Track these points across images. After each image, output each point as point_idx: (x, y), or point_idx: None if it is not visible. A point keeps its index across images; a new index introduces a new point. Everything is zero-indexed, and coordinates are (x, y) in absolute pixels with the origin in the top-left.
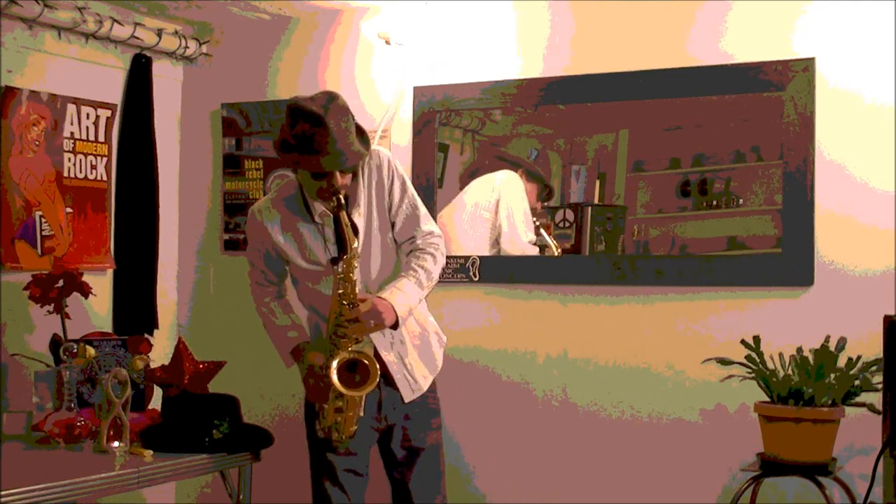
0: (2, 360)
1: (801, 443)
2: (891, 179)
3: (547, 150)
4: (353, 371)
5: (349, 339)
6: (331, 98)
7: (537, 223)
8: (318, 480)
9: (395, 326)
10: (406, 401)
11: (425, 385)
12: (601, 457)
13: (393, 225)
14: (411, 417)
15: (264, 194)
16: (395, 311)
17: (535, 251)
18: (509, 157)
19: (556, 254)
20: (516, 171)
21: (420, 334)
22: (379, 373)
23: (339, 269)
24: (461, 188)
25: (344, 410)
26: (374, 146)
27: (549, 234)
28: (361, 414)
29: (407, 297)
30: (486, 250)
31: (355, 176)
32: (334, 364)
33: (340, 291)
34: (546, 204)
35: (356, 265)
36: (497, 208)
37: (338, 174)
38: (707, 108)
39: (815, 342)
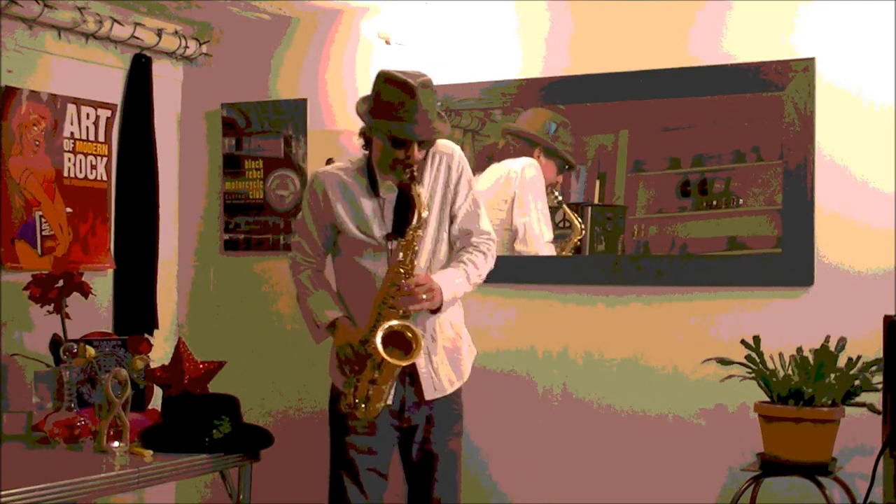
0: (2, 360)
1: (801, 443)
2: (891, 179)
3: (564, 126)
4: (393, 345)
5: (396, 310)
6: (420, 74)
7: (559, 199)
8: (336, 475)
9: (436, 311)
10: (427, 398)
11: (449, 388)
12: (601, 456)
13: (452, 219)
14: (433, 421)
15: (264, 194)
16: (441, 295)
17: (551, 250)
18: (526, 133)
19: (579, 229)
20: (533, 151)
21: (453, 339)
22: (422, 347)
23: (404, 239)
24: (477, 170)
25: (377, 383)
26: (447, 141)
27: (573, 213)
28: (390, 402)
29: (454, 285)
30: (504, 248)
31: (424, 160)
32: (381, 330)
33: (400, 259)
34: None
35: (420, 235)
36: (513, 206)
37: (415, 147)
38: (707, 108)
39: (815, 342)
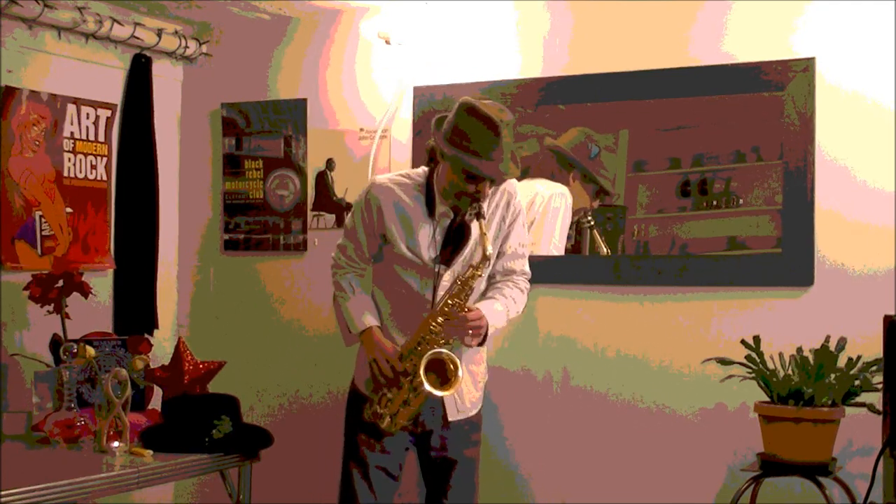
0: (2, 360)
1: (801, 443)
2: (891, 179)
3: (605, 150)
4: (431, 369)
5: (439, 338)
6: (501, 110)
7: (590, 223)
8: (347, 471)
9: (480, 344)
10: (450, 419)
11: (472, 410)
12: (600, 456)
13: (500, 255)
14: (451, 426)
15: (264, 194)
16: (486, 330)
17: None
18: (566, 153)
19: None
20: (570, 173)
21: (476, 358)
22: (461, 380)
23: (464, 272)
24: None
25: (409, 404)
26: (509, 179)
27: (601, 238)
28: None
29: (498, 317)
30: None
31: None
32: (425, 359)
33: (455, 293)
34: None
35: (481, 274)
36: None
37: (487, 184)
38: (707, 108)
39: (815, 342)
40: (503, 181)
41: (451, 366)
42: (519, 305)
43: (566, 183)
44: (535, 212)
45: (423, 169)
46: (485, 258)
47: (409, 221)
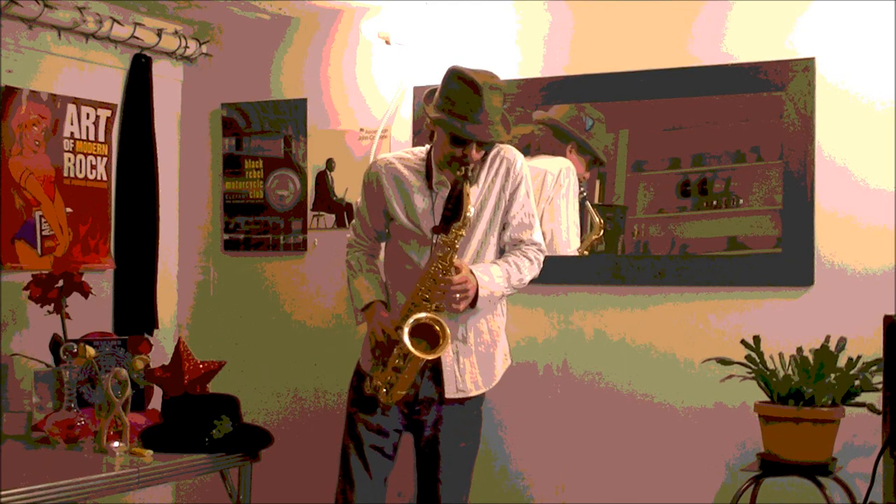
0: (2, 360)
1: (801, 443)
2: (891, 179)
3: (601, 121)
4: (423, 337)
5: (430, 303)
6: (492, 76)
7: (584, 194)
8: (345, 449)
9: (472, 305)
10: (448, 396)
11: (473, 391)
12: (600, 457)
13: (505, 226)
14: (443, 421)
15: (264, 194)
16: (476, 290)
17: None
18: (563, 126)
19: (599, 226)
20: (567, 146)
21: (488, 343)
22: (451, 345)
23: (447, 236)
24: None
25: (402, 371)
26: (511, 147)
27: (594, 209)
28: (412, 391)
29: (492, 282)
30: None
31: (482, 161)
32: (410, 321)
33: (440, 255)
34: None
35: (463, 234)
36: (545, 210)
37: (474, 147)
38: (707, 108)
39: (815, 342)
40: (490, 143)
41: (437, 328)
42: (524, 273)
43: (563, 155)
44: (548, 191)
45: (426, 147)
46: (465, 220)
47: (408, 193)
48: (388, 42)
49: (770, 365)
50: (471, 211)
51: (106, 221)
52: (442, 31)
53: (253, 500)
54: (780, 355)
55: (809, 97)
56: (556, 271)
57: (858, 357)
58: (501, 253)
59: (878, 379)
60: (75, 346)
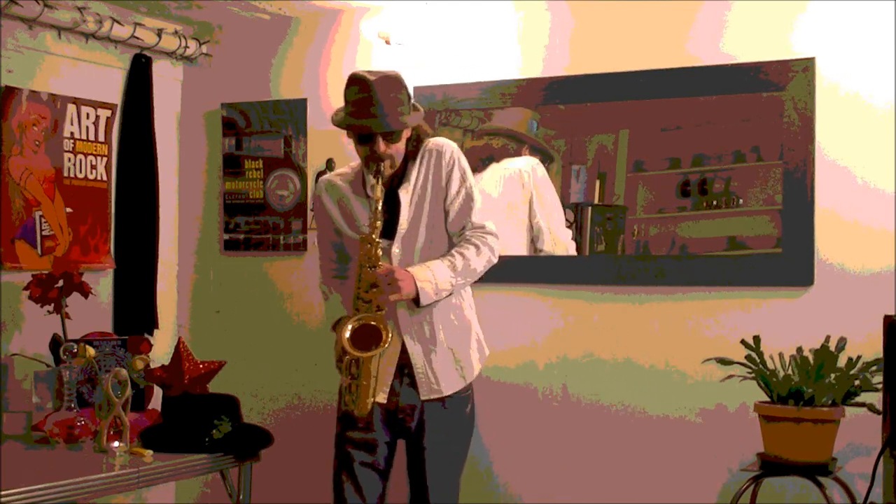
0: (2, 360)
1: (801, 443)
2: (891, 179)
3: (541, 122)
4: (369, 341)
5: (371, 305)
6: (387, 73)
7: None
8: (337, 472)
9: (417, 302)
10: (423, 397)
11: (447, 389)
12: (601, 456)
13: (447, 214)
14: (428, 423)
15: (264, 194)
16: (415, 284)
17: (573, 248)
18: (515, 133)
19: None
20: (521, 149)
21: (460, 338)
22: (389, 338)
23: (364, 231)
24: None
25: (357, 378)
26: (440, 138)
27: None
28: (382, 399)
29: (433, 274)
30: (524, 252)
31: (413, 158)
32: (348, 327)
33: (362, 252)
34: None
35: (379, 226)
36: (531, 208)
37: (380, 141)
38: (707, 108)
39: (815, 342)
40: (391, 130)
41: (374, 322)
42: (471, 259)
43: (520, 155)
44: (529, 187)
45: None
46: (377, 215)
47: (349, 206)
48: (388, 42)
49: (770, 365)
50: (380, 200)
51: (106, 221)
52: (442, 31)
53: (253, 500)
54: (780, 355)
55: (809, 97)
56: (556, 271)
57: (858, 357)
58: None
59: (878, 379)
60: (75, 346)
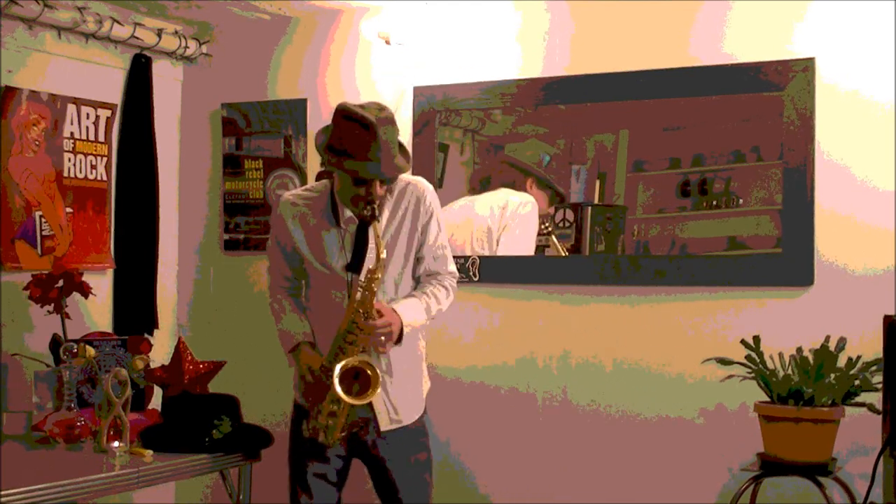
0: (2, 360)
1: (801, 443)
2: (891, 179)
3: (557, 156)
4: (355, 379)
5: (356, 346)
6: (381, 108)
7: (549, 229)
8: (293, 485)
9: (396, 342)
10: (382, 429)
11: (406, 419)
12: (601, 456)
13: (419, 260)
14: (386, 437)
15: (264, 194)
16: (400, 329)
17: None
18: (520, 164)
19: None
20: (526, 181)
21: (414, 371)
22: (379, 386)
23: (363, 278)
24: (470, 192)
25: (337, 416)
26: (416, 178)
27: (559, 242)
28: (343, 434)
29: (414, 316)
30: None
31: (389, 193)
32: (338, 369)
33: (359, 298)
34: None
35: (379, 277)
36: (500, 235)
37: (377, 184)
38: (707, 108)
39: (815, 342)
40: (392, 177)
41: (369, 371)
42: (442, 302)
43: (524, 188)
44: (506, 219)
45: (327, 182)
46: (379, 261)
47: (315, 231)
48: (388, 42)
49: (770, 365)
50: (384, 254)
51: (106, 221)
52: (442, 31)
53: (253, 500)
54: (780, 355)
55: (809, 97)
56: (556, 271)
57: (858, 357)
58: (417, 282)
59: (878, 379)
60: (75, 346)
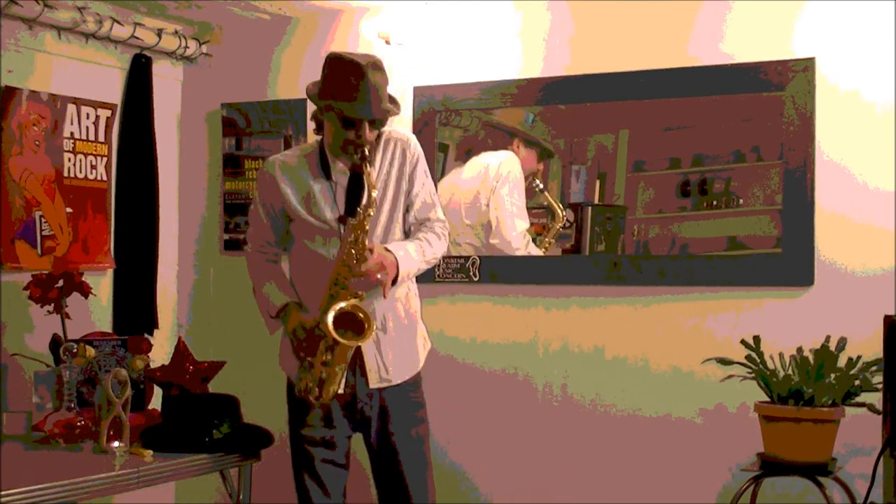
0: (2, 360)
1: (801, 443)
2: (891, 179)
3: (541, 117)
4: (345, 327)
5: (349, 291)
6: (372, 57)
7: (540, 187)
8: (298, 473)
9: (393, 283)
10: (371, 386)
11: (396, 378)
12: (601, 456)
13: (408, 207)
14: (390, 412)
15: None
16: (397, 270)
17: (524, 240)
18: (504, 126)
19: (561, 216)
20: (512, 142)
21: (407, 327)
22: (374, 328)
23: (355, 219)
24: (458, 163)
25: (330, 364)
26: (400, 129)
27: (553, 198)
28: (341, 390)
29: (410, 260)
30: (481, 243)
31: (376, 144)
32: (332, 311)
33: (351, 240)
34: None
35: (371, 214)
36: (490, 200)
37: (366, 126)
38: (707, 108)
39: (815, 342)
40: (383, 119)
41: (360, 315)
42: (435, 248)
43: (512, 150)
44: (490, 182)
45: (317, 139)
46: (371, 200)
47: (305, 184)
48: (388, 42)
49: (770, 365)
50: (375, 191)
51: (106, 221)
52: (442, 31)
53: (253, 500)
54: (780, 355)
55: (809, 97)
56: (556, 271)
57: (858, 357)
58: (406, 234)
59: (878, 379)
60: (75, 346)
